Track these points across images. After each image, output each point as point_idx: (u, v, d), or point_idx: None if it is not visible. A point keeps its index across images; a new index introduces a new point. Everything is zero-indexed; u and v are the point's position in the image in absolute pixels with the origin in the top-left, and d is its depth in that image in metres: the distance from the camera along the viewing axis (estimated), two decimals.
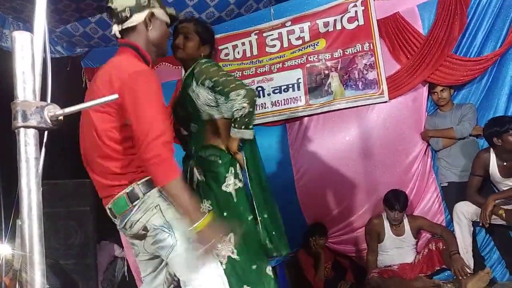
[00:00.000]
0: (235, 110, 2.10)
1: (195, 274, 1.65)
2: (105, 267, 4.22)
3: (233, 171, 2.18)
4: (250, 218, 2.17)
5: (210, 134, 2.23)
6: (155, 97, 1.62)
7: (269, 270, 2.13)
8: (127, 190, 1.66)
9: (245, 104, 2.08)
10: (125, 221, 1.71)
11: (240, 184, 2.19)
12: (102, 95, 1.63)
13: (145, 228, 1.69)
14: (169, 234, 1.63)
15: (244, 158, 2.22)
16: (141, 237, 1.78)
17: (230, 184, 2.16)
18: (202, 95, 2.19)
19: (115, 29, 1.79)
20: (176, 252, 1.63)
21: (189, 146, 2.28)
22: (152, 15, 1.77)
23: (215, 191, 2.15)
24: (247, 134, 2.15)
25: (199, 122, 2.23)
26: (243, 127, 2.13)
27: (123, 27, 1.77)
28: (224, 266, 1.99)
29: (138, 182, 1.66)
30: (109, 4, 1.77)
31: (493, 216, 3.10)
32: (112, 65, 1.74)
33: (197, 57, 2.27)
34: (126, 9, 1.73)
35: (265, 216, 2.20)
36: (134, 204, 1.65)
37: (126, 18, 1.75)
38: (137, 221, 1.68)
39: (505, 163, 3.10)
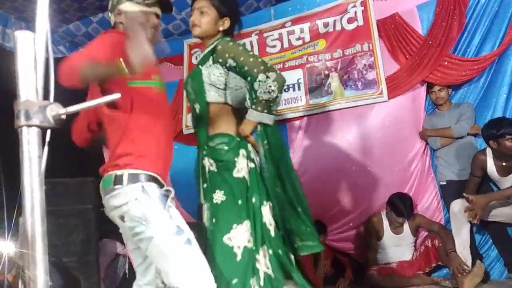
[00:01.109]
0: (262, 93, 1.99)
1: (175, 265, 1.64)
2: (107, 264, 4.23)
3: (244, 153, 2.09)
4: (254, 201, 2.07)
5: (215, 121, 2.14)
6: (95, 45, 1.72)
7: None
8: (118, 172, 1.69)
9: (274, 88, 1.99)
10: (104, 199, 1.76)
11: (252, 165, 2.11)
12: None
13: (122, 218, 1.71)
14: (146, 227, 1.63)
15: (262, 144, 2.10)
16: (119, 224, 1.80)
17: (242, 168, 2.07)
18: (213, 75, 2.10)
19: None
20: (154, 244, 1.64)
21: (198, 132, 2.21)
22: (119, 11, 1.88)
23: (228, 180, 2.05)
24: (268, 118, 2.06)
25: (202, 103, 2.13)
26: (265, 111, 2.03)
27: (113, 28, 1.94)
28: (239, 257, 1.95)
29: (130, 171, 1.69)
30: None
31: (492, 214, 3.12)
32: None
33: (215, 33, 2.18)
34: (108, 13, 1.94)
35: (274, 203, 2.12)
36: (115, 187, 1.69)
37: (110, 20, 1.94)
38: (115, 208, 1.71)
39: (504, 163, 3.11)
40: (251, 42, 4.15)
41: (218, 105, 2.14)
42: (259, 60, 2.07)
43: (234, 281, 1.91)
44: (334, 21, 3.85)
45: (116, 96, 1.02)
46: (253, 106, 2.05)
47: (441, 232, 3.32)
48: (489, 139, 3.06)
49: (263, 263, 2.00)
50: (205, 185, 2.13)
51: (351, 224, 3.81)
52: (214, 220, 2.03)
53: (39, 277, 0.87)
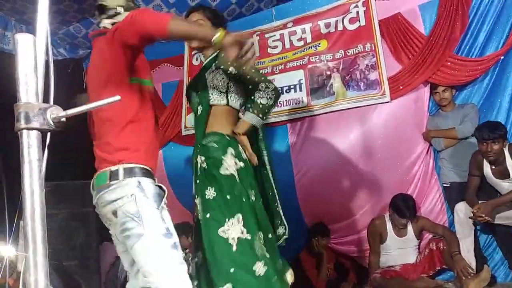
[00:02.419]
0: (261, 98, 2.21)
1: (158, 266, 1.66)
2: (108, 268, 4.22)
3: (232, 152, 2.21)
4: (252, 197, 2.20)
5: (212, 121, 2.28)
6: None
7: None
8: (112, 168, 1.73)
9: (272, 96, 2.22)
10: (98, 196, 1.79)
11: (241, 164, 2.22)
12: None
13: (115, 213, 1.72)
14: (138, 223, 1.65)
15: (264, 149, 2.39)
16: (110, 221, 1.82)
17: (230, 166, 2.18)
18: (216, 79, 2.26)
19: (107, 22, 1.95)
20: (142, 242, 1.65)
21: (196, 131, 2.34)
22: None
23: (217, 176, 2.16)
24: (259, 122, 2.25)
25: (205, 105, 2.29)
26: (260, 115, 2.22)
27: (113, 22, 1.94)
28: (235, 248, 2.05)
29: (125, 166, 1.72)
30: (101, 2, 1.97)
31: (497, 217, 3.09)
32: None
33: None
34: (118, 7, 1.93)
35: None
36: (111, 182, 1.72)
37: (116, 14, 1.94)
38: (110, 202, 1.73)
39: (494, 167, 3.10)
40: (251, 42, 4.13)
41: (220, 107, 2.29)
42: (260, 72, 2.32)
43: (232, 270, 2.03)
44: (336, 21, 3.84)
45: (116, 98, 1.01)
46: (250, 109, 2.24)
47: (446, 234, 3.31)
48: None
49: (261, 248, 2.13)
50: (198, 181, 2.25)
51: (354, 226, 3.79)
52: (208, 215, 2.14)
53: (40, 281, 0.86)
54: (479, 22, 3.41)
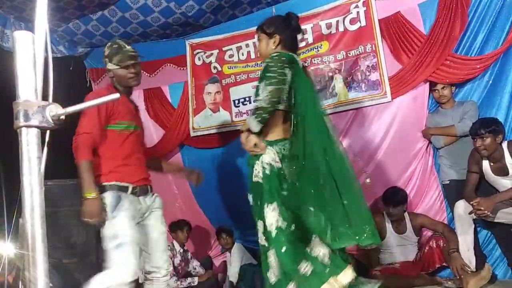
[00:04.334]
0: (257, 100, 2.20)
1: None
2: None
3: (264, 160, 2.21)
4: (263, 203, 2.19)
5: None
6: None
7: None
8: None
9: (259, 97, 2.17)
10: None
11: (267, 171, 2.20)
12: None
13: None
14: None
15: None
16: None
17: (258, 173, 2.21)
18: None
19: None
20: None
21: None
22: (108, 70, 2.49)
23: (251, 184, 2.26)
24: (252, 124, 2.18)
25: None
26: (254, 116, 2.18)
27: None
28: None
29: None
30: None
31: (497, 216, 3.09)
32: None
33: (271, 51, 2.34)
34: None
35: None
36: None
37: None
38: None
39: (492, 164, 3.10)
40: (254, 43, 4.13)
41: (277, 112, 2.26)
42: (273, 75, 2.19)
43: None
44: (337, 22, 3.84)
45: (116, 96, 1.01)
46: None
47: (445, 232, 3.30)
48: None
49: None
50: None
51: None
52: None
53: (39, 279, 0.86)
54: (478, 21, 3.41)
